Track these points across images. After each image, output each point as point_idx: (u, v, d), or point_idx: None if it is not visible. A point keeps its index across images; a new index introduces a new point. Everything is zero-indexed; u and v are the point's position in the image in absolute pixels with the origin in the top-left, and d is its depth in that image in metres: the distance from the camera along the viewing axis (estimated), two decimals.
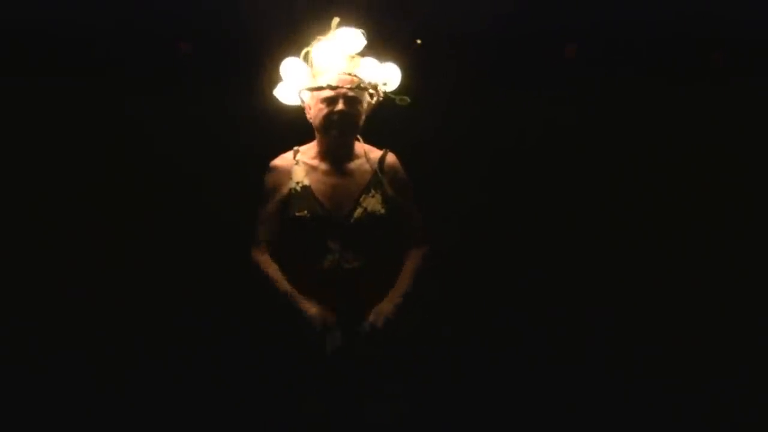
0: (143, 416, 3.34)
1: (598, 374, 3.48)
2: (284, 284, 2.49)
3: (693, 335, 3.50)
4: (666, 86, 3.57)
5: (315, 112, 2.59)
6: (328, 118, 2.55)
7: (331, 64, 2.58)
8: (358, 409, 2.51)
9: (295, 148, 2.66)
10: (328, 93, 2.55)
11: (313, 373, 2.52)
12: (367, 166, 2.60)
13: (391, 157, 2.65)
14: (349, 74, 2.58)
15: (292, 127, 2.74)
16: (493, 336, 3.48)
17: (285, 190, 2.58)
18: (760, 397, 3.43)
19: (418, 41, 2.96)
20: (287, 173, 2.60)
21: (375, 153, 2.66)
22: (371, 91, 2.62)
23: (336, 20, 2.60)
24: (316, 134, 2.63)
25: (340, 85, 2.55)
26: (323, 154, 2.61)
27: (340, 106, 2.54)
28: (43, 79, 3.36)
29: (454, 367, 3.41)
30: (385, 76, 2.65)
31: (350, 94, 2.55)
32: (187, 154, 3.36)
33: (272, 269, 2.52)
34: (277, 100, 2.72)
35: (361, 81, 2.58)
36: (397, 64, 2.68)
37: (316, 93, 2.58)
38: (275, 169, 2.63)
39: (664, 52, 3.56)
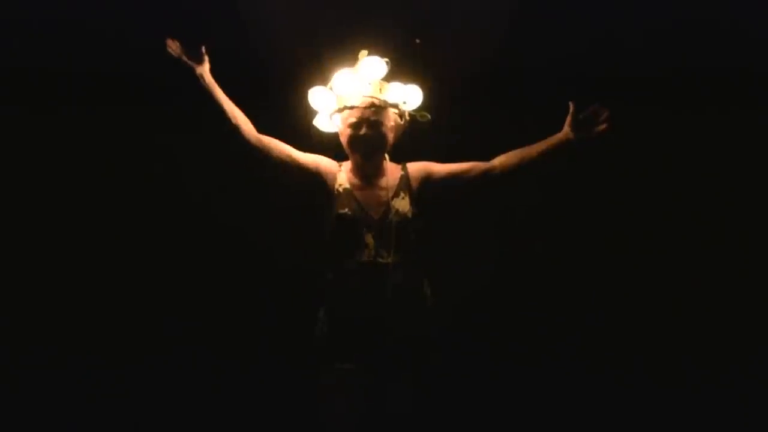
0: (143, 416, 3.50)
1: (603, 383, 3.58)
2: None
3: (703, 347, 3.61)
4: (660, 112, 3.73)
5: (343, 136, 2.81)
6: (353, 142, 2.78)
7: (354, 89, 2.79)
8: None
9: (339, 162, 2.86)
10: (353, 119, 2.77)
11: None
12: (394, 176, 2.81)
13: (411, 164, 2.85)
14: (371, 97, 2.78)
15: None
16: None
17: (330, 186, 2.78)
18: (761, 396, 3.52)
19: (417, 41, 3.11)
20: (333, 173, 2.81)
21: (399, 167, 2.86)
22: (393, 111, 2.82)
23: (364, 53, 2.80)
24: (348, 155, 2.84)
25: (359, 106, 2.76)
26: (355, 171, 2.82)
27: (363, 130, 2.77)
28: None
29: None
30: (406, 95, 2.85)
31: (372, 118, 2.77)
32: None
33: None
34: (317, 129, 2.93)
35: (381, 102, 2.79)
36: (422, 86, 2.86)
37: (344, 118, 2.80)
38: (325, 161, 2.83)
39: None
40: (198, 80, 2.59)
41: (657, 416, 3.55)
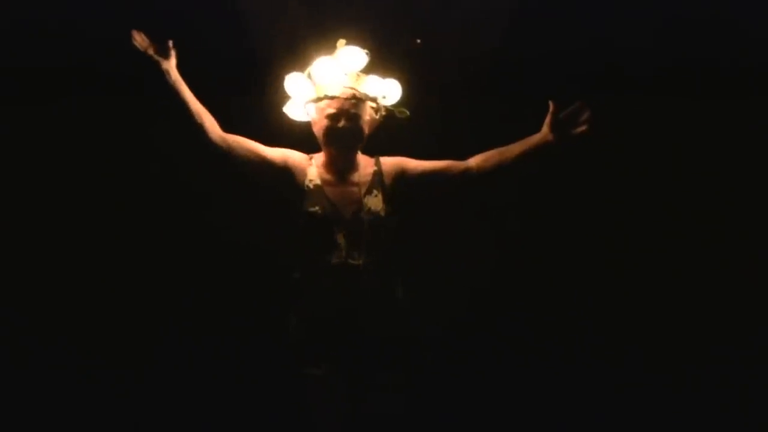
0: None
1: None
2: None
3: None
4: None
5: (318, 126, 2.72)
6: (330, 134, 2.68)
7: (333, 79, 2.70)
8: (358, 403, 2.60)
9: (309, 155, 2.76)
10: (332, 110, 2.67)
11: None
12: (366, 172, 2.71)
13: (384, 159, 2.76)
14: (351, 88, 2.69)
15: (299, 146, 2.81)
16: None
17: (299, 181, 2.68)
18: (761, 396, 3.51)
19: (418, 41, 3.04)
20: (303, 168, 2.70)
21: (372, 161, 2.77)
22: (372, 104, 2.73)
23: (342, 42, 2.71)
24: (322, 147, 2.74)
25: (340, 96, 2.67)
26: (328, 165, 2.72)
27: (342, 122, 2.67)
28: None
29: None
30: (385, 90, 2.76)
31: (352, 110, 2.67)
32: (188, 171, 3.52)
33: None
34: (287, 116, 2.84)
35: (362, 95, 2.70)
36: (400, 80, 2.77)
37: (320, 108, 2.70)
38: (295, 156, 2.73)
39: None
40: (164, 76, 2.48)
41: (656, 416, 3.54)
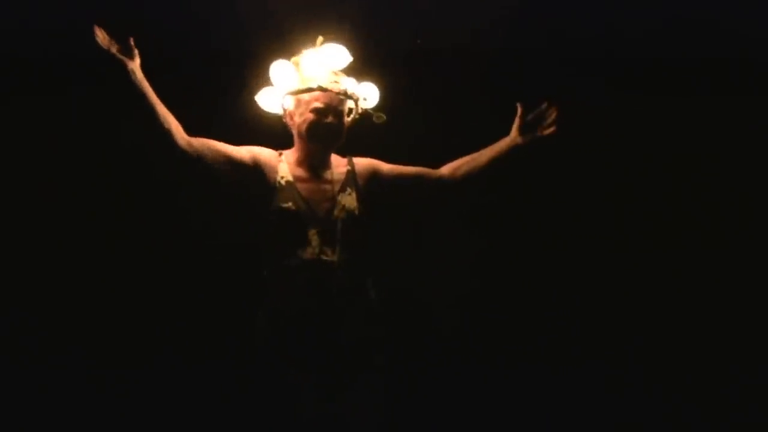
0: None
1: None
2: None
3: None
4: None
5: (301, 120, 2.65)
6: (315, 128, 2.62)
7: (322, 72, 2.65)
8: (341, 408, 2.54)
9: (278, 151, 2.70)
10: (319, 104, 2.61)
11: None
12: (340, 170, 2.68)
13: (359, 158, 2.73)
14: (338, 83, 2.64)
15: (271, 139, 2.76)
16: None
17: (269, 178, 2.62)
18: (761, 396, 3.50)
19: (418, 41, 3.04)
20: (273, 165, 2.64)
21: (344, 161, 2.73)
22: (352, 105, 2.70)
23: (320, 39, 2.66)
24: (297, 141, 2.69)
25: (331, 89, 2.62)
26: (302, 161, 2.67)
27: (329, 118, 2.62)
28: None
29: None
30: (365, 92, 2.74)
31: (339, 107, 2.63)
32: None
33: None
34: (256, 107, 2.77)
35: (351, 92, 2.67)
36: (377, 84, 2.75)
37: (305, 101, 2.63)
38: (265, 153, 2.66)
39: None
40: (128, 76, 2.35)
41: (655, 416, 3.53)
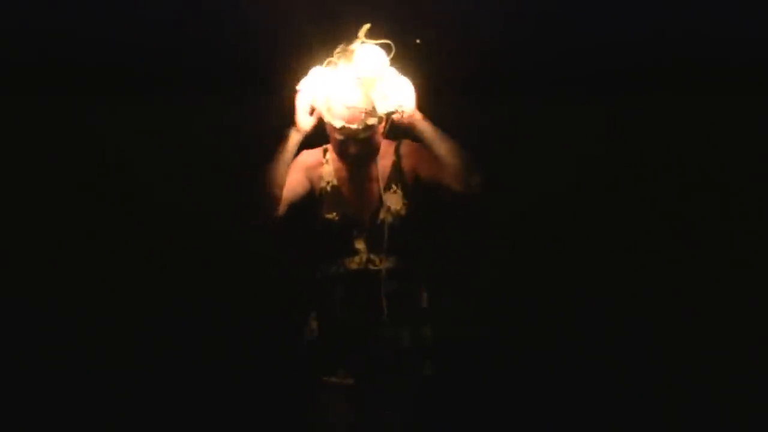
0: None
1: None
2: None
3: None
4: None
5: (330, 136, 2.56)
6: (340, 154, 2.55)
7: (344, 110, 2.48)
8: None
9: (324, 146, 2.63)
10: (341, 137, 2.50)
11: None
12: (385, 162, 2.58)
13: (405, 146, 2.61)
14: (363, 111, 2.47)
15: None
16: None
17: (315, 188, 2.58)
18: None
19: (418, 41, 3.03)
20: (318, 172, 2.60)
21: (391, 148, 2.62)
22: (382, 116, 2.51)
23: (366, 27, 2.48)
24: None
25: (350, 126, 2.47)
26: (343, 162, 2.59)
27: (352, 149, 2.51)
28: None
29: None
30: (399, 100, 2.48)
31: (363, 135, 2.48)
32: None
33: None
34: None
35: (376, 118, 2.48)
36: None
37: (329, 124, 2.52)
38: (309, 160, 2.61)
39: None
40: (290, 137, 2.44)
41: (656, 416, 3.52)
